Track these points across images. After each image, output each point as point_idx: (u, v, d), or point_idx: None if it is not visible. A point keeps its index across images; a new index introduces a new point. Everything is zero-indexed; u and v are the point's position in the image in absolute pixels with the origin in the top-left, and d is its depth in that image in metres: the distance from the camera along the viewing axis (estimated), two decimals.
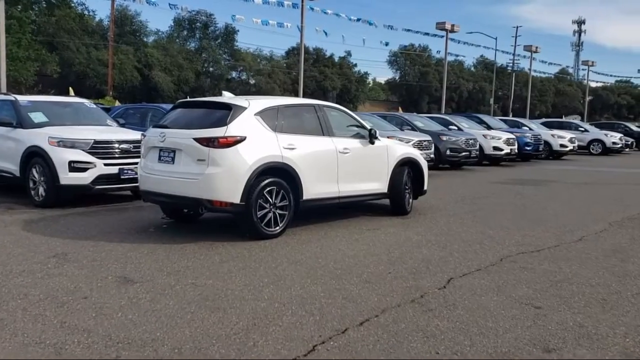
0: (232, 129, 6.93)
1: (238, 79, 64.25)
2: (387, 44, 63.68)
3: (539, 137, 23.16)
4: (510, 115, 47.90)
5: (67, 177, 9.20)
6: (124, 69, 46.24)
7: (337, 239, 7.36)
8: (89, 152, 9.35)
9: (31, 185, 9.57)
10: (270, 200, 7.15)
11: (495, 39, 63.73)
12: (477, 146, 18.57)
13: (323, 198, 7.85)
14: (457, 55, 67.01)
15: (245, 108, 7.22)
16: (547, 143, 24.02)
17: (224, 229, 7.79)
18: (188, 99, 8.62)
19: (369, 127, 8.65)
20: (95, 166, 9.34)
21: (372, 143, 8.56)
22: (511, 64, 64.77)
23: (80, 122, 10.68)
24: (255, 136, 7.09)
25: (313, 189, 7.62)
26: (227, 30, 57.22)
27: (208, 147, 6.83)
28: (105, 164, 9.45)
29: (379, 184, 8.71)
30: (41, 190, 9.39)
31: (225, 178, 6.81)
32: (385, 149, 8.80)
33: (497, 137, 20.15)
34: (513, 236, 7.72)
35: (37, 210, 9.09)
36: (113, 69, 44.17)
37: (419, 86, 70.73)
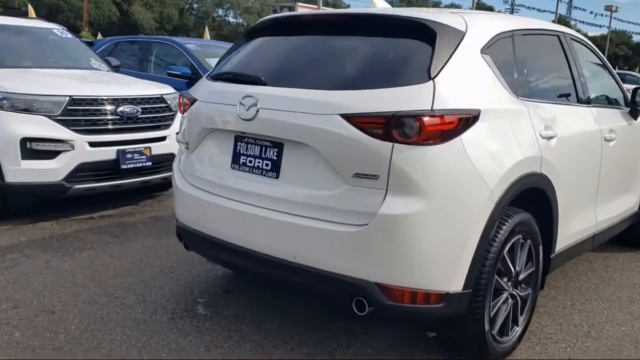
0: (448, 89, 2.55)
1: (224, 18, 59.66)
2: None
3: None
4: None
5: (20, 170, 4.83)
6: (101, 2, 41.83)
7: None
8: (61, 121, 4.96)
9: None
10: (512, 267, 2.92)
11: None
12: None
13: (576, 244, 3.59)
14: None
15: (463, 33, 2.79)
16: None
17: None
18: (298, 12, 3.79)
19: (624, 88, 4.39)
20: (72, 147, 4.97)
21: (636, 118, 4.30)
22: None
23: (47, 63, 6.28)
24: (493, 107, 2.75)
25: (570, 226, 3.39)
26: None
27: (389, 142, 2.46)
28: (92, 143, 5.09)
29: (632, 198, 4.48)
30: None
31: (435, 227, 2.47)
32: None
33: None
34: None
35: None
36: (89, 3, 39.24)
37: None
